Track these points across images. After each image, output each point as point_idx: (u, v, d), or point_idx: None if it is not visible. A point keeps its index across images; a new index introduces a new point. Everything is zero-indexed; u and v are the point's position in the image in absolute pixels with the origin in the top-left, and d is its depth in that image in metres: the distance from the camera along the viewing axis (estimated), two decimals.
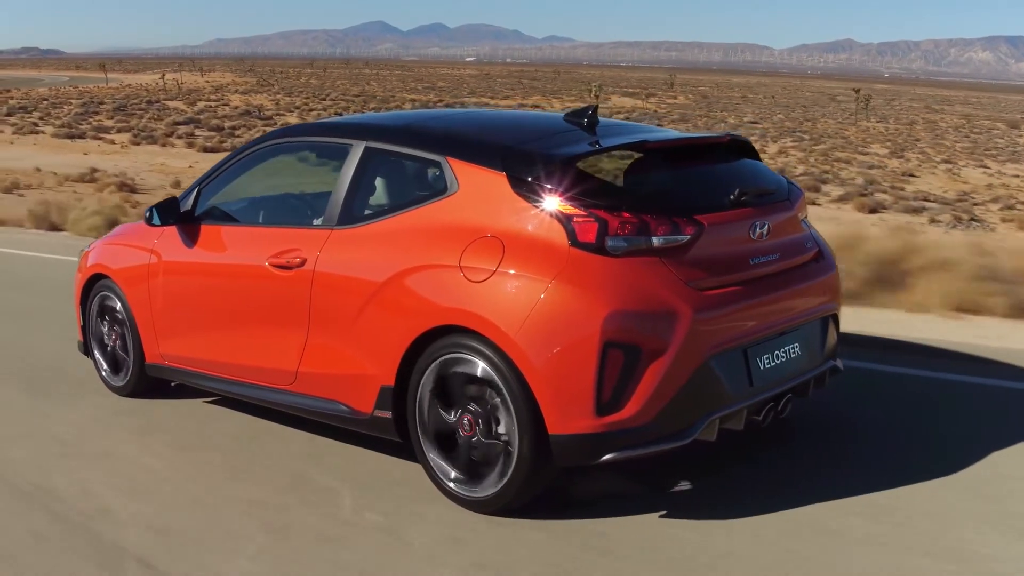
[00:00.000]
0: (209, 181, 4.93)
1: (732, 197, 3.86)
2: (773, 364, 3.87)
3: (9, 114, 63.59)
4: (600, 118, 4.28)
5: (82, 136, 50.35)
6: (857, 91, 76.87)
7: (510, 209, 3.72)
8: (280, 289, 4.33)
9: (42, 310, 7.88)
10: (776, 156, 44.40)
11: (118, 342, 5.36)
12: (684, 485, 4.01)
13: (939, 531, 3.55)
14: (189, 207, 4.88)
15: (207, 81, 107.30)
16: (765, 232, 3.91)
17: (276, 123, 57.25)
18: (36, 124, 56.02)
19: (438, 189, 3.98)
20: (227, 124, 55.79)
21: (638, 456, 3.58)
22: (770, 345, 3.87)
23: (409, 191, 4.32)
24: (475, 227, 3.76)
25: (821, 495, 3.83)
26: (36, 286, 9.26)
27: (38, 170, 34.17)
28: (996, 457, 4.19)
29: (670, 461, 4.08)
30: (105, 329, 5.44)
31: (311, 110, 69.99)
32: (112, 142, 47.77)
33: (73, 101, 77.43)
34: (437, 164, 4.02)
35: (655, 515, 3.72)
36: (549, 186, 3.68)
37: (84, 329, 5.58)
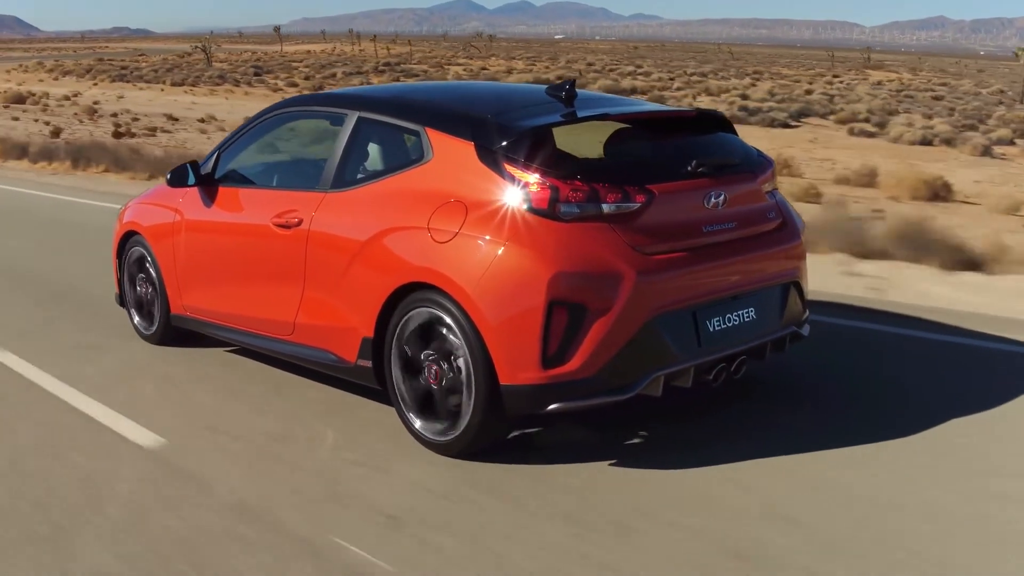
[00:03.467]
0: (228, 146, 5.33)
1: (689, 168, 4.08)
2: (724, 327, 4.08)
3: (256, 74, 60.18)
4: (579, 91, 4.51)
5: None
6: None
7: (475, 176, 4.02)
8: (281, 246, 4.71)
9: None
10: None
11: (147, 294, 5.83)
12: (657, 431, 4.27)
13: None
14: (209, 170, 5.30)
15: (386, 50, 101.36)
16: (721, 202, 4.11)
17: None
18: (322, 87, 49.73)
19: (417, 157, 4.30)
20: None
21: (583, 407, 3.87)
22: (721, 308, 4.08)
23: (393, 158, 4.65)
24: (444, 192, 4.07)
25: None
26: None
27: None
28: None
29: (651, 411, 4.36)
30: (137, 282, 5.92)
31: (593, 78, 57.59)
32: None
33: (295, 64, 72.76)
34: (417, 133, 4.33)
35: (623, 461, 4.00)
36: (510, 155, 3.95)
37: (120, 281, 6.07)
